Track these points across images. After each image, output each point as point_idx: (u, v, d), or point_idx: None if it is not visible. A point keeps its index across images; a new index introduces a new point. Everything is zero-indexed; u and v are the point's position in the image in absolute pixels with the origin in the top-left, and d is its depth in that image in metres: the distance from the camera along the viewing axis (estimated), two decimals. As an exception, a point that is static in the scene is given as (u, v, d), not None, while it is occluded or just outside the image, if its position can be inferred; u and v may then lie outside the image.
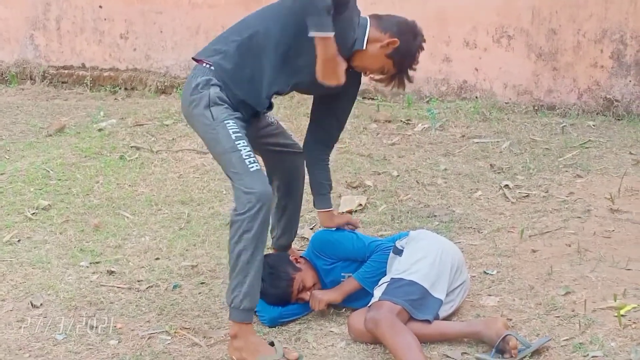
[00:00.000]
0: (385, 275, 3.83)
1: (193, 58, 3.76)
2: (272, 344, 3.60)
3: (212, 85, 3.60)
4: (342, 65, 3.54)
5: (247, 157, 3.49)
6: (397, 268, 3.74)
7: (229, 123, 3.54)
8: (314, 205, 4.15)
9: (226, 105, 3.60)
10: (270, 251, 4.29)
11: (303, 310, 3.98)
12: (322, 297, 3.90)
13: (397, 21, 3.80)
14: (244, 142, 3.52)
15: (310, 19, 3.41)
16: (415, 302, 3.58)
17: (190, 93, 3.64)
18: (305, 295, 3.93)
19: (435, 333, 3.56)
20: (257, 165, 3.50)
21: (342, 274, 3.99)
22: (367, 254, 3.93)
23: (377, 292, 3.67)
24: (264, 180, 3.51)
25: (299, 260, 4.01)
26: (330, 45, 3.45)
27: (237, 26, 3.81)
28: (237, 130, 3.54)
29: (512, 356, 3.37)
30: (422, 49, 3.83)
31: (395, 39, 3.70)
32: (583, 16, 6.69)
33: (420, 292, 3.61)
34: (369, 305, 3.66)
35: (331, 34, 3.43)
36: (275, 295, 3.87)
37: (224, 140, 3.53)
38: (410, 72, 3.84)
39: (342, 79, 3.55)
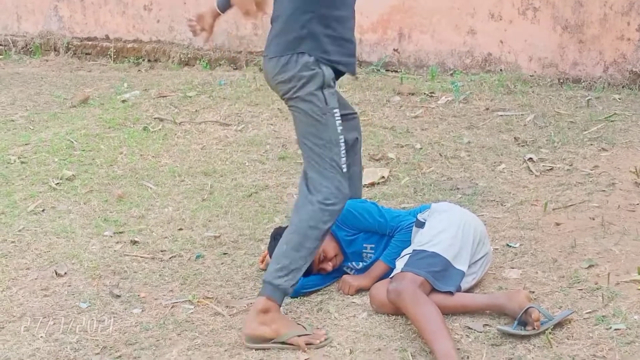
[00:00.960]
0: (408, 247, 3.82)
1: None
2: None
3: (323, 64, 3.49)
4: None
5: (343, 155, 3.52)
6: (420, 240, 3.73)
7: (336, 113, 3.51)
8: None
9: (334, 90, 3.54)
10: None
11: (325, 281, 3.99)
12: (353, 282, 3.90)
13: None
14: (342, 138, 3.52)
15: None
16: (438, 273, 3.58)
17: (297, 70, 3.48)
18: (327, 266, 3.93)
19: (457, 305, 3.56)
20: (346, 167, 3.53)
21: (364, 245, 3.99)
22: (389, 230, 3.92)
23: (399, 264, 3.67)
24: (348, 185, 3.56)
25: (320, 231, 4.00)
26: None
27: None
28: (341, 122, 3.52)
29: (534, 328, 3.36)
30: None
31: None
32: (610, -12, 6.61)
33: (442, 264, 3.61)
34: (390, 276, 3.66)
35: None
36: (297, 266, 3.88)
37: (332, 131, 3.49)
38: None
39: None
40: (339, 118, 3.52)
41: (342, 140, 3.52)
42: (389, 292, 3.54)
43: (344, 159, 3.53)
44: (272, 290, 3.49)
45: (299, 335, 3.44)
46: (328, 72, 3.51)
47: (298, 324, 3.56)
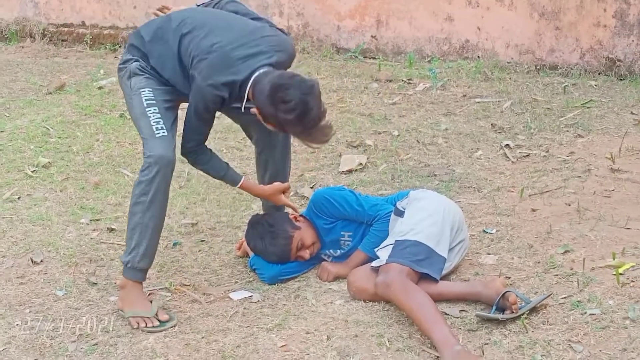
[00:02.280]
0: (388, 235, 3.83)
1: None
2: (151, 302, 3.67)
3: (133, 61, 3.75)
4: None
5: (155, 123, 3.58)
6: (401, 230, 3.74)
7: (144, 91, 3.65)
8: None
9: (147, 75, 3.69)
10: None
11: (302, 268, 4.00)
12: (331, 269, 3.91)
13: (261, 89, 3.48)
14: (154, 109, 3.61)
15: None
16: (422, 261, 3.59)
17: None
18: (305, 254, 3.94)
19: (434, 293, 3.56)
20: (163, 132, 3.57)
21: (342, 233, 4.00)
22: (367, 218, 3.93)
23: (383, 254, 3.67)
24: (167, 145, 3.55)
25: (298, 218, 4.01)
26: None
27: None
28: (151, 98, 3.63)
29: (512, 312, 3.38)
30: (289, 117, 3.42)
31: (256, 107, 3.54)
32: (587, -25, 6.63)
33: (426, 252, 3.62)
34: (372, 266, 3.67)
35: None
36: (274, 254, 3.88)
37: (137, 107, 3.65)
38: (307, 137, 3.51)
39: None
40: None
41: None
42: (378, 286, 3.55)
43: (158, 125, 3.59)
44: (124, 269, 3.65)
45: (134, 317, 3.58)
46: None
47: (148, 302, 3.64)
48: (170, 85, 3.70)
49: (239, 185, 3.86)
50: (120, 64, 3.80)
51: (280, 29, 3.80)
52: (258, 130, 3.97)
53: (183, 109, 3.70)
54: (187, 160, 3.83)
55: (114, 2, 8.39)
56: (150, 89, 3.66)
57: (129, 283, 3.63)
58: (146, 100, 3.63)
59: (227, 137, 5.72)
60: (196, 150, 3.75)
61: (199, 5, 4.06)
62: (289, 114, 3.40)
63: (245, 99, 3.59)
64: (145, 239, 3.56)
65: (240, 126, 4.20)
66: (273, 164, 4.05)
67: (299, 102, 3.38)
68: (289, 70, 3.69)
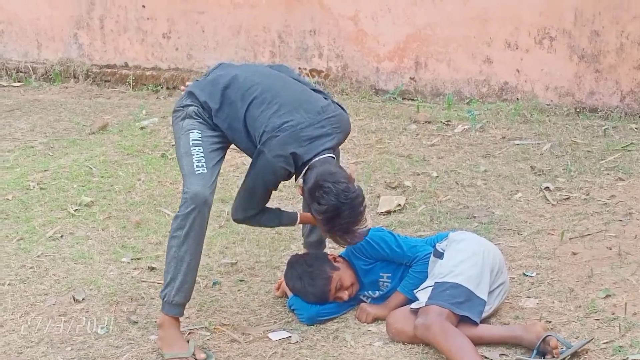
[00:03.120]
0: (427, 278, 3.83)
1: None
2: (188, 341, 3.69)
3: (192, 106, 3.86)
4: None
5: (196, 161, 3.64)
6: (440, 271, 3.74)
7: (192, 132, 3.74)
8: None
9: (200, 120, 3.79)
10: (304, 250, 4.32)
11: (341, 309, 4.00)
12: (370, 310, 3.92)
13: (315, 176, 3.58)
14: (199, 149, 3.68)
15: None
16: (462, 304, 3.58)
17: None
18: (343, 295, 3.94)
19: (474, 336, 3.54)
20: (203, 170, 3.63)
21: (381, 274, 4.00)
22: (406, 260, 3.93)
23: (422, 296, 3.67)
24: (205, 183, 3.61)
25: (337, 259, 4.02)
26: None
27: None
28: (199, 139, 3.71)
29: (553, 356, 3.36)
30: (343, 231, 3.59)
31: (300, 188, 3.68)
32: (627, 18, 6.62)
33: (465, 294, 3.61)
34: (411, 307, 3.66)
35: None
36: (313, 294, 3.89)
37: (183, 146, 3.73)
38: (346, 233, 3.62)
39: None
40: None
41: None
42: (417, 328, 3.54)
43: (199, 163, 3.66)
44: (162, 305, 3.67)
45: (173, 358, 3.61)
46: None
47: (185, 342, 3.67)
48: (220, 131, 3.78)
49: (297, 222, 3.94)
50: (177, 107, 3.88)
51: (338, 104, 3.87)
52: None
53: (232, 149, 3.77)
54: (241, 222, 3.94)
55: (157, 44, 8.54)
56: (200, 131, 3.74)
57: (166, 320, 3.66)
58: (193, 140, 3.71)
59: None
60: (250, 218, 3.86)
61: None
62: (319, 215, 3.56)
63: (301, 175, 3.69)
64: (180, 273, 3.60)
65: None
66: None
67: (331, 208, 3.51)
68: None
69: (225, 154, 3.86)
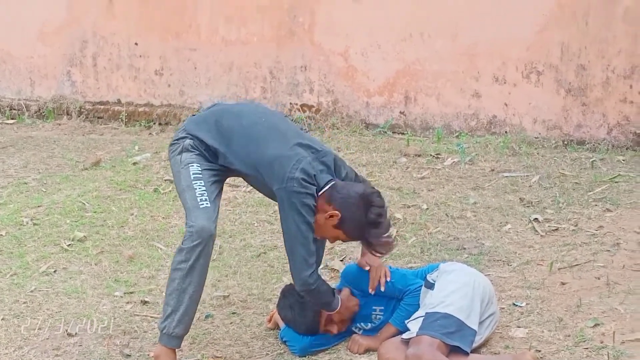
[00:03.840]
0: (419, 309, 3.87)
1: None
2: None
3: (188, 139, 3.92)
4: None
5: (199, 195, 3.69)
6: (431, 302, 3.77)
7: (192, 166, 3.79)
8: None
9: (198, 153, 3.84)
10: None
11: (333, 340, 4.03)
12: (362, 342, 3.95)
13: (347, 193, 3.71)
14: (200, 182, 3.73)
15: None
16: (453, 334, 3.62)
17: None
18: (332, 328, 3.97)
19: (465, 366, 3.58)
20: (207, 203, 3.69)
21: (374, 307, 4.04)
22: (398, 293, 3.97)
23: (413, 327, 3.70)
24: (209, 217, 3.67)
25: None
26: None
27: None
28: (199, 172, 3.76)
29: (541, 385, 3.39)
30: (378, 220, 3.70)
31: (336, 212, 3.69)
32: (612, 52, 6.73)
33: (456, 325, 3.65)
34: (402, 338, 3.69)
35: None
36: (304, 324, 3.92)
37: (184, 180, 3.77)
38: (380, 243, 3.75)
39: None
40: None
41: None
42: (408, 358, 3.57)
43: (203, 197, 3.70)
44: (160, 336, 3.71)
45: None
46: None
47: None
48: (217, 164, 3.83)
49: (336, 310, 3.93)
50: (173, 141, 3.95)
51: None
52: None
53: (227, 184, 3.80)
54: (307, 291, 3.80)
55: (149, 81, 8.62)
56: (199, 165, 3.80)
57: (163, 351, 3.68)
58: (194, 174, 3.76)
59: (258, 211, 5.81)
60: (316, 275, 3.80)
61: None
62: (379, 218, 3.66)
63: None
64: (182, 305, 3.63)
65: None
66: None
67: (385, 210, 3.71)
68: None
69: (222, 186, 3.91)
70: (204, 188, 3.71)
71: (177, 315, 3.65)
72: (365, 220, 3.66)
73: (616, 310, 4.04)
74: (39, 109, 8.99)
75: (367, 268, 4.01)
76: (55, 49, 8.96)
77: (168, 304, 3.68)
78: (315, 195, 3.68)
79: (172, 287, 3.67)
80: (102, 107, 8.83)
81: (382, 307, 4.02)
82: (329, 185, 3.71)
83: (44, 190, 6.50)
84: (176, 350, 3.74)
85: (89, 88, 8.91)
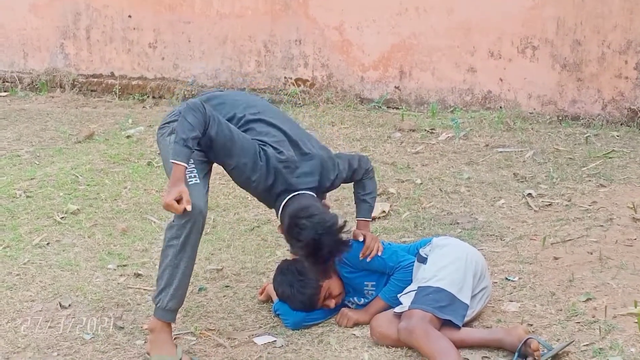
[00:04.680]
0: (410, 284, 3.87)
1: None
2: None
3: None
4: (171, 196, 3.53)
5: (189, 172, 3.65)
6: (424, 276, 3.78)
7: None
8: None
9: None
10: (289, 255, 4.35)
11: (326, 314, 4.03)
12: (352, 315, 3.95)
13: (294, 207, 3.70)
14: (190, 160, 3.65)
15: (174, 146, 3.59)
16: (445, 308, 3.63)
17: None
18: (330, 303, 3.98)
19: (456, 340, 3.58)
20: (196, 180, 3.66)
21: (366, 283, 4.04)
22: (389, 270, 3.98)
23: (406, 300, 3.71)
24: (198, 193, 3.64)
25: (327, 268, 4.04)
26: (175, 172, 3.55)
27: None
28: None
29: (534, 359, 3.40)
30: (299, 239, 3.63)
31: (281, 228, 3.78)
32: (608, 27, 6.72)
33: (448, 298, 3.66)
34: (395, 311, 3.70)
35: (179, 164, 3.54)
36: (302, 302, 3.92)
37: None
38: (317, 269, 3.71)
39: (166, 205, 3.56)
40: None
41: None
42: (400, 332, 3.58)
43: (191, 174, 3.66)
44: (154, 310, 3.70)
45: None
46: None
47: (174, 346, 3.68)
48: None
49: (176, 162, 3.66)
50: (162, 124, 3.93)
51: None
52: None
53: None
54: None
55: (143, 54, 8.58)
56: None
57: (158, 324, 3.69)
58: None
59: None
60: (205, 108, 3.65)
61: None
62: (301, 251, 3.62)
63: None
64: (175, 280, 3.63)
65: None
66: None
67: (311, 242, 3.57)
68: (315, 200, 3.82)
69: (211, 167, 3.88)
70: (192, 166, 3.69)
71: (170, 289, 3.66)
72: (296, 251, 3.70)
73: (608, 285, 4.05)
74: (32, 82, 8.96)
75: (361, 238, 4.01)
76: (48, 21, 8.91)
77: (161, 278, 3.68)
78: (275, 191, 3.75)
79: (165, 263, 3.67)
80: (95, 80, 8.80)
81: (374, 283, 4.02)
82: (280, 210, 3.76)
83: (37, 163, 6.48)
84: (171, 323, 3.74)
85: (82, 61, 8.87)
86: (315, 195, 3.81)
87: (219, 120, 3.65)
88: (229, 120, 3.79)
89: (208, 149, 3.71)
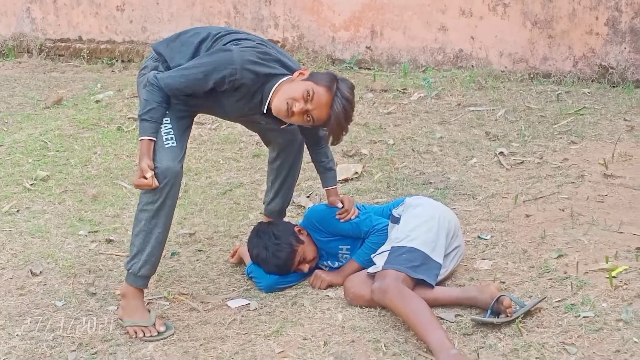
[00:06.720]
0: (385, 243, 3.87)
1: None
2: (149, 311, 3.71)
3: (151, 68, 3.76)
4: (137, 176, 3.53)
5: (165, 134, 3.60)
6: (397, 236, 3.77)
7: None
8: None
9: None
10: (262, 218, 4.34)
11: (299, 277, 4.03)
12: (325, 277, 3.95)
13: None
14: (166, 119, 3.62)
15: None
16: (418, 268, 3.63)
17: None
18: (304, 268, 3.97)
19: (429, 298, 3.59)
20: (173, 143, 3.60)
21: (340, 247, 4.04)
22: (363, 234, 3.97)
23: (379, 261, 3.71)
24: (175, 157, 3.58)
25: (302, 232, 4.04)
26: (141, 148, 3.55)
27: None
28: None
29: (507, 315, 3.42)
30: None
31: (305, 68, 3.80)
32: (578, -17, 6.71)
33: (421, 258, 3.66)
34: (368, 272, 3.70)
35: (143, 138, 3.54)
36: (276, 265, 3.91)
37: None
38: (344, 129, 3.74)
39: (136, 187, 3.57)
40: None
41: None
42: (374, 292, 3.58)
43: (168, 136, 3.60)
44: (126, 275, 3.69)
45: (133, 326, 3.62)
46: None
47: (147, 311, 3.68)
48: (186, 95, 3.68)
49: (140, 138, 3.64)
50: (142, 66, 3.83)
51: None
52: (278, 136, 4.06)
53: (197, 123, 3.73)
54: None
55: (111, 17, 8.46)
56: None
57: (130, 290, 3.66)
58: None
59: (224, 149, 5.76)
60: (159, 83, 3.59)
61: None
62: (345, 101, 3.76)
63: (266, 104, 3.63)
64: (148, 246, 3.60)
65: (258, 133, 4.24)
66: (286, 169, 4.16)
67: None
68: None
69: (192, 122, 3.80)
70: (169, 126, 3.62)
71: (143, 255, 3.62)
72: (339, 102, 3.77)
73: (580, 241, 4.07)
74: (-1, 47, 8.82)
75: (340, 205, 4.00)
76: (13, -15, 8.75)
77: (134, 244, 3.64)
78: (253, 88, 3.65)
79: (138, 228, 3.63)
80: (63, 44, 8.68)
81: (349, 247, 4.03)
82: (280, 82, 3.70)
83: (5, 129, 6.39)
84: (144, 290, 3.72)
85: (50, 25, 8.74)
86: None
87: (172, 74, 3.59)
88: (204, 39, 3.70)
89: (206, 98, 3.64)
